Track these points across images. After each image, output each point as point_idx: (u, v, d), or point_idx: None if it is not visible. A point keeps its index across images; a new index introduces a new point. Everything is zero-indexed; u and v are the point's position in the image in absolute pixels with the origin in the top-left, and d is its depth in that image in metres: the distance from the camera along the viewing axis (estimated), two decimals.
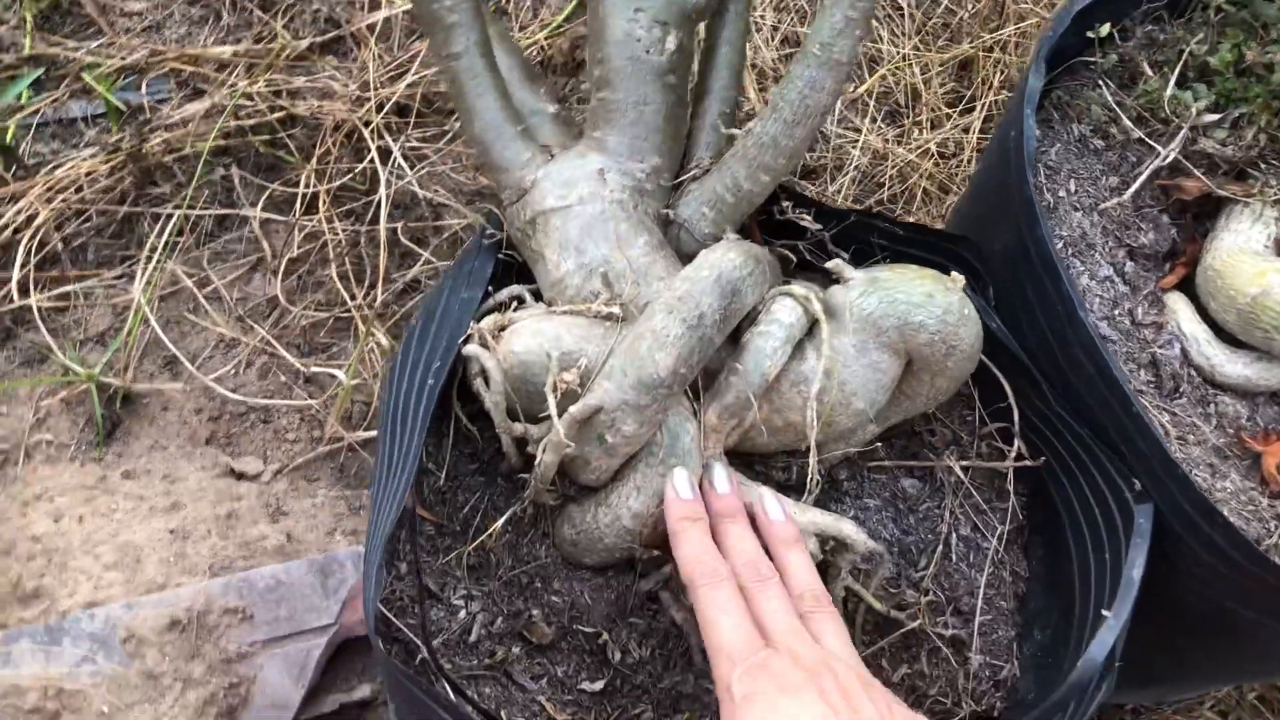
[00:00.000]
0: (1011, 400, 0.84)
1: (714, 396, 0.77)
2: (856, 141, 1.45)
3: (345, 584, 1.10)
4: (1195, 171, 0.95)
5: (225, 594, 1.07)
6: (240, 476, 1.22)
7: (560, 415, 0.72)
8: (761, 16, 1.52)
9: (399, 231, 1.35)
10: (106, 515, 1.15)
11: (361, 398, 1.27)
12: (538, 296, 0.83)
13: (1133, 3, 1.01)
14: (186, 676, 1.03)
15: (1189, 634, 0.95)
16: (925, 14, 1.56)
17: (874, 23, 1.50)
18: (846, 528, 0.76)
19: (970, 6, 1.54)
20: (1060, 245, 0.92)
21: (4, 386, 1.24)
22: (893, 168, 1.43)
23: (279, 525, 1.16)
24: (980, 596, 0.84)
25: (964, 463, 0.87)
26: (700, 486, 0.75)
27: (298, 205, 1.35)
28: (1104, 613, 0.74)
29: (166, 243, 1.32)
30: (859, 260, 0.85)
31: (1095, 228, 0.94)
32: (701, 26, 0.86)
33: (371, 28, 1.48)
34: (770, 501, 0.76)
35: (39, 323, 1.26)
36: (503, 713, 0.74)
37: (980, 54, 1.51)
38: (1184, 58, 0.98)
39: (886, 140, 1.45)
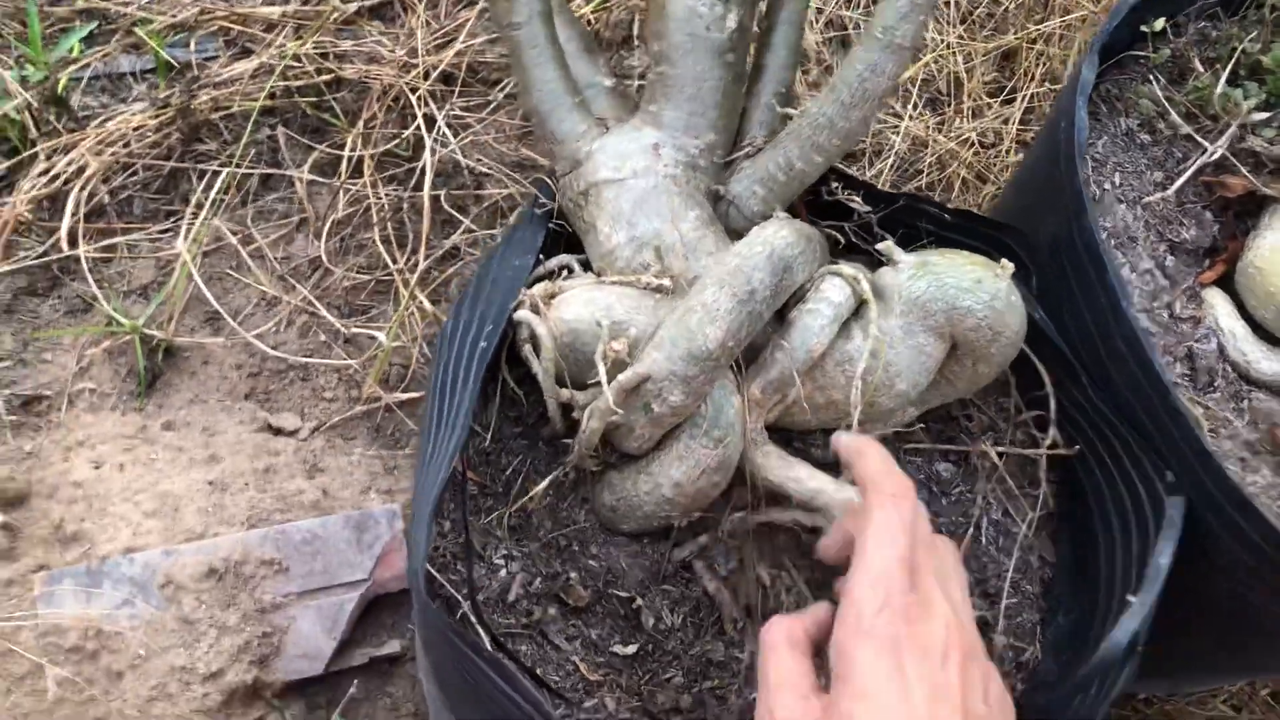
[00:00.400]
0: (1049, 389, 0.85)
1: (759, 371, 0.78)
2: (897, 128, 1.45)
3: (379, 540, 1.12)
4: (1242, 169, 0.96)
5: (262, 545, 1.09)
6: (278, 432, 1.24)
7: (609, 383, 0.74)
8: None
9: (441, 199, 1.37)
10: (146, 464, 1.17)
11: (400, 360, 1.29)
12: (586, 267, 0.84)
13: None
14: (221, 624, 1.05)
15: (1210, 627, 0.96)
16: (971, 3, 1.56)
17: None
18: None
19: None
20: (1104, 237, 0.92)
21: (49, 334, 1.26)
22: (932, 155, 1.44)
23: (315, 481, 1.18)
24: (1008, 580, 0.86)
25: (999, 449, 0.88)
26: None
27: (343, 168, 1.37)
28: (1129, 598, 0.75)
29: (212, 200, 1.33)
30: (904, 244, 0.86)
31: (1138, 221, 0.95)
32: (762, 5, 0.87)
33: None
34: None
35: (85, 273, 1.28)
36: (538, 670, 0.76)
37: (1024, 45, 1.51)
38: (1236, 55, 0.98)
39: (927, 128, 1.45)
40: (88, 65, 1.42)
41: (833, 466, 0.85)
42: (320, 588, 1.09)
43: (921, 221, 0.89)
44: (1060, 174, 0.89)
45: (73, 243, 1.29)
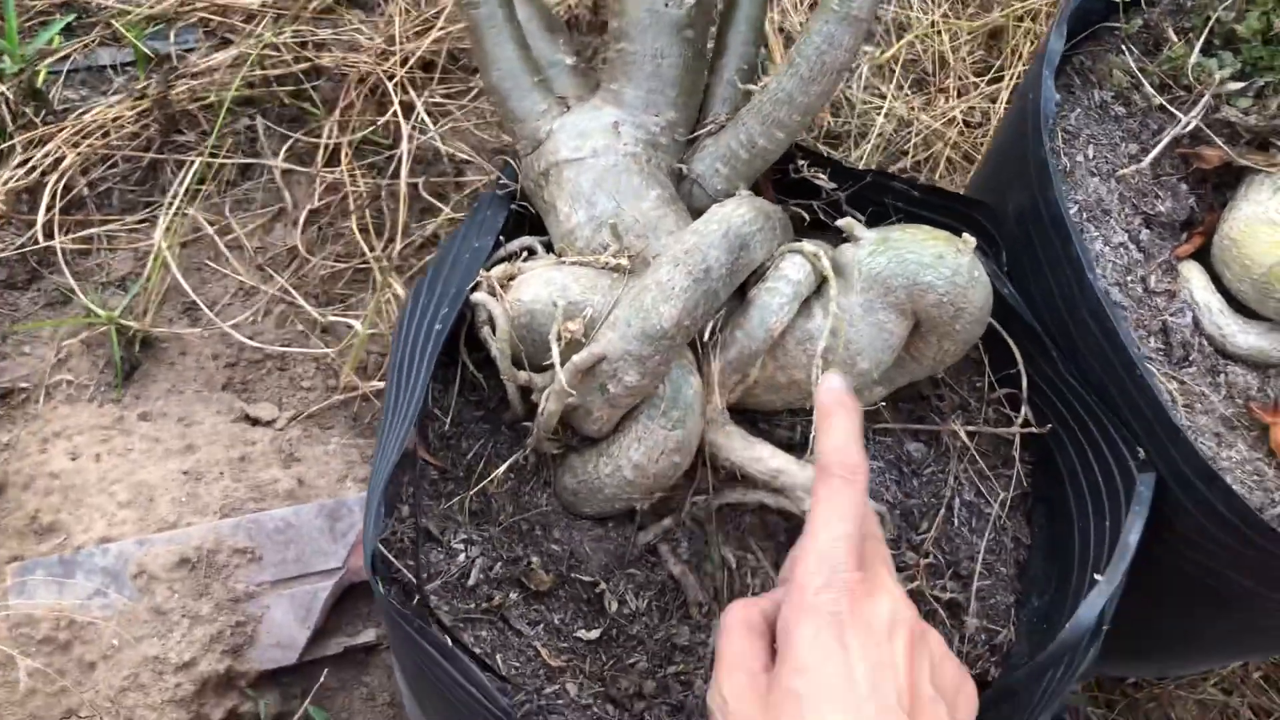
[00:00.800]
0: (1020, 366, 0.84)
1: (718, 351, 0.77)
2: (881, 108, 1.44)
3: (354, 529, 1.11)
4: (1216, 140, 0.94)
5: (235, 534, 1.08)
6: (255, 422, 1.24)
7: (564, 364, 0.73)
8: None
9: (420, 186, 1.36)
10: (122, 455, 1.17)
11: (376, 348, 1.28)
12: (549, 248, 0.83)
13: None
14: (194, 613, 1.04)
15: (1189, 606, 0.94)
16: None
17: None
18: None
19: None
20: (1075, 210, 0.91)
21: (27, 327, 1.26)
22: (917, 135, 1.42)
23: (291, 470, 1.18)
24: (980, 561, 0.84)
25: (969, 428, 0.87)
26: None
27: (320, 156, 1.36)
28: (1096, 576, 0.74)
29: (188, 189, 1.33)
30: (875, 222, 0.84)
31: (1112, 194, 0.94)
32: None
33: None
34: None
35: (63, 265, 1.28)
36: (498, 656, 0.75)
37: (1010, 23, 1.49)
38: (1210, 24, 0.96)
39: (912, 108, 1.43)
40: (67, 57, 1.42)
41: (799, 448, 0.84)
42: (294, 576, 1.08)
43: (890, 198, 0.88)
44: (1028, 146, 0.87)
45: (49, 235, 1.29)
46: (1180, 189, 0.95)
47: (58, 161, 1.32)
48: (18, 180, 1.30)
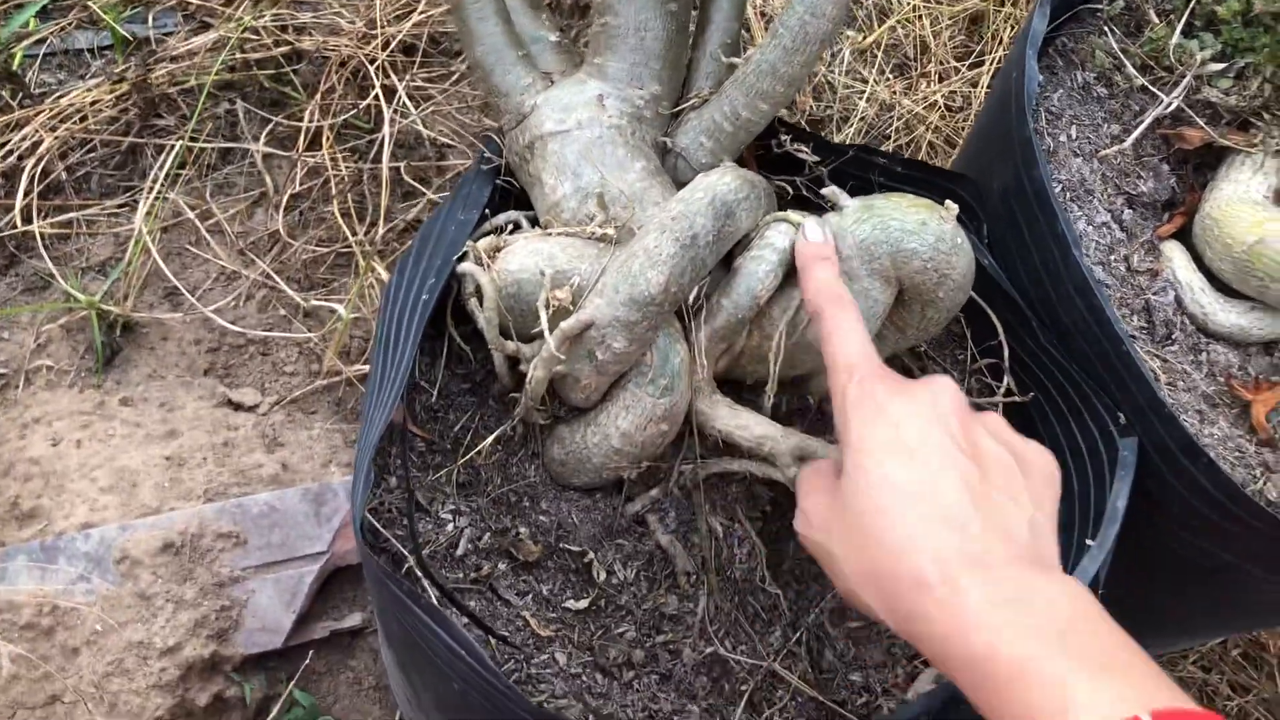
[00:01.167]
0: (1002, 336, 0.84)
1: (705, 319, 0.77)
2: (864, 93, 1.45)
3: (339, 513, 1.11)
4: (1198, 120, 0.95)
5: (219, 519, 1.08)
6: (237, 407, 1.23)
7: (551, 330, 0.73)
8: None
9: (402, 170, 1.35)
10: (103, 440, 1.16)
11: (360, 333, 1.27)
12: (534, 223, 0.83)
13: None
14: (178, 598, 1.04)
15: (1171, 582, 0.95)
16: None
17: None
18: (832, 452, 0.77)
19: None
20: (1059, 190, 0.92)
21: (6, 312, 1.25)
22: (899, 120, 1.43)
23: (275, 455, 1.17)
24: None
25: None
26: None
27: (301, 140, 1.36)
28: (1088, 542, 0.74)
29: (168, 174, 1.32)
30: (856, 197, 0.85)
31: (1095, 174, 0.94)
32: None
33: None
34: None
35: (41, 250, 1.27)
36: (486, 624, 0.75)
37: (991, 8, 1.50)
38: (1191, 6, 0.97)
39: (894, 92, 1.44)
40: (44, 40, 1.41)
41: (783, 419, 0.84)
42: (279, 560, 1.08)
43: (873, 174, 0.89)
44: (1012, 125, 0.88)
45: (28, 219, 1.28)
46: (1162, 169, 0.96)
47: (35, 145, 1.31)
48: None
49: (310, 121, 1.36)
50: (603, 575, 0.79)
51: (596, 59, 0.83)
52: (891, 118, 1.43)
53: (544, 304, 0.73)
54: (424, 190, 1.35)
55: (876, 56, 1.46)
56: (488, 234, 0.82)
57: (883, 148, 1.42)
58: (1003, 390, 0.85)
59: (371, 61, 1.38)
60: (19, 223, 1.27)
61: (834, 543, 0.62)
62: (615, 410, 0.77)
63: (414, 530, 0.73)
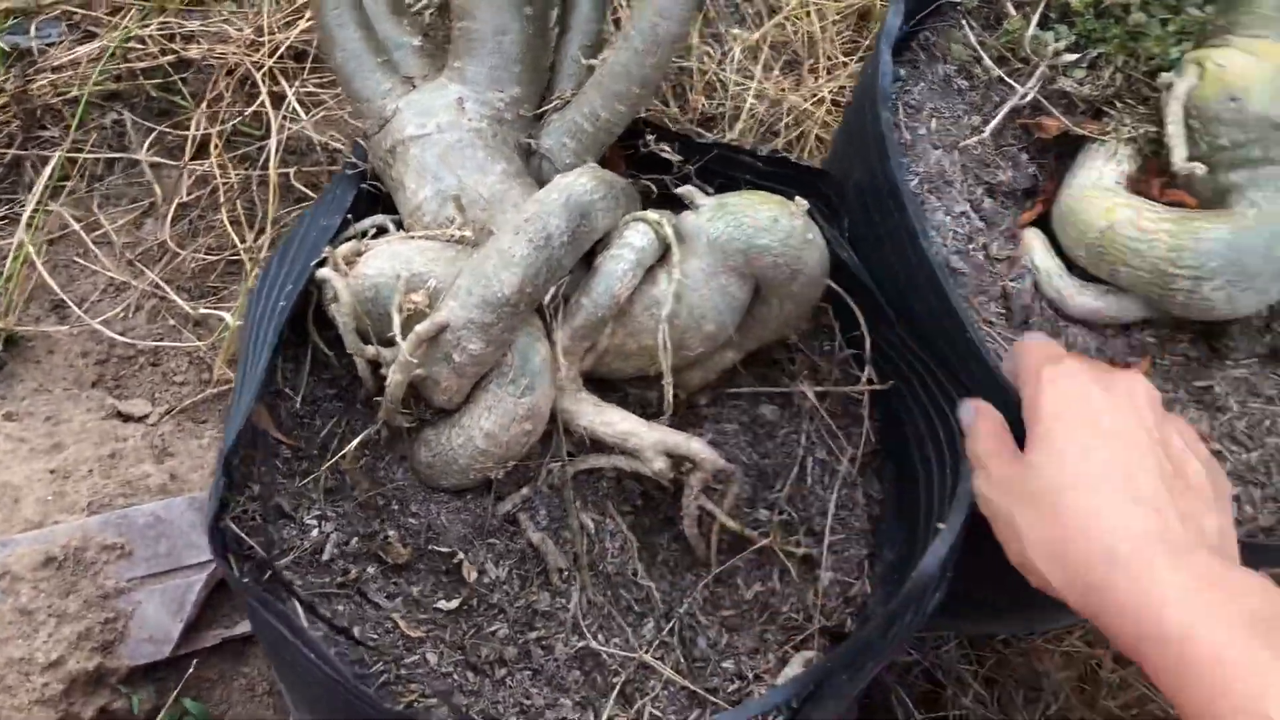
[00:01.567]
0: (863, 327, 0.86)
1: (566, 319, 0.78)
2: (753, 90, 1.46)
3: None
4: (1054, 110, 0.98)
5: (103, 531, 1.06)
6: (127, 418, 1.22)
7: (404, 335, 0.73)
8: None
9: (292, 176, 1.35)
10: None
11: None
12: (400, 226, 0.84)
13: None
14: (61, 612, 1.02)
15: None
16: None
17: None
18: (695, 445, 0.78)
19: None
20: (916, 182, 0.94)
21: None
22: (788, 115, 1.45)
23: (164, 465, 1.16)
24: (831, 517, 0.87)
25: (817, 388, 0.89)
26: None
27: (189, 149, 1.34)
28: (939, 525, 0.77)
29: (48, 185, 1.30)
30: (724, 192, 0.86)
31: (955, 165, 0.97)
32: None
33: None
34: None
35: None
36: (356, 629, 0.76)
37: (878, 4, 1.53)
38: None
39: (783, 88, 1.46)
40: None
41: (655, 413, 0.86)
42: (166, 570, 1.07)
43: (738, 171, 0.90)
44: (867, 121, 0.90)
45: None
46: (1021, 159, 0.99)
47: None
48: None
49: (198, 129, 1.35)
50: (474, 575, 0.80)
51: (457, 63, 0.84)
52: (780, 113, 1.45)
53: (397, 308, 0.74)
54: (314, 195, 1.34)
55: (765, 53, 1.48)
56: (351, 238, 0.82)
57: (773, 143, 1.44)
58: (864, 380, 0.87)
59: (259, 68, 1.37)
60: None
61: (1015, 509, 0.64)
62: (478, 411, 0.78)
63: (268, 540, 0.73)
